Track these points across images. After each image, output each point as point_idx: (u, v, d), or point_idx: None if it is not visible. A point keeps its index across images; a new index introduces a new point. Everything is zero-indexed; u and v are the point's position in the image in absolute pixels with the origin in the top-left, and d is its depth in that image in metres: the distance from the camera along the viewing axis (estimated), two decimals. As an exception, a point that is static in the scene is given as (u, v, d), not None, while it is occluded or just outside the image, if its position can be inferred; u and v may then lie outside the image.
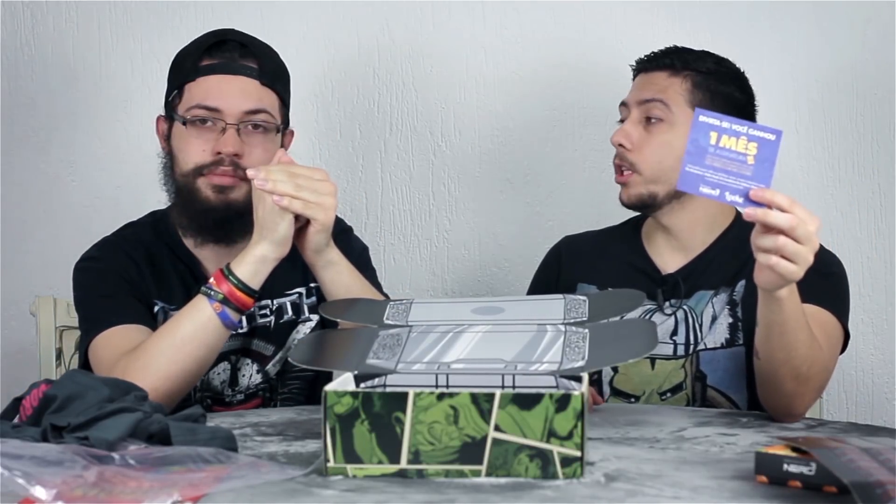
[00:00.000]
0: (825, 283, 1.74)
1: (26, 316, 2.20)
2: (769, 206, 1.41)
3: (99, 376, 1.40)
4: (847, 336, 1.78)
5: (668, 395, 1.84)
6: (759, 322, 1.57)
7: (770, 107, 2.34)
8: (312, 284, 1.85)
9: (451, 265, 2.46)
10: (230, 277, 1.65)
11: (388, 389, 1.23)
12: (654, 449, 1.35)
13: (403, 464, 1.17)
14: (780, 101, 2.35)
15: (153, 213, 1.92)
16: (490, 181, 2.45)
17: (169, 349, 1.63)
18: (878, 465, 1.07)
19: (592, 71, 2.39)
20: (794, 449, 1.15)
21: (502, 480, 1.15)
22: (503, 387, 1.30)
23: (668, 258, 1.90)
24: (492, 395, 1.15)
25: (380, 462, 1.17)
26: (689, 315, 1.85)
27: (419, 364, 1.33)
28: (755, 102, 1.91)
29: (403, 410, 1.16)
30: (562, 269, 1.99)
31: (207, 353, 1.66)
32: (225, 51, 1.79)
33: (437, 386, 1.31)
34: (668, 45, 1.92)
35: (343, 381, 1.30)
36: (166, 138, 1.83)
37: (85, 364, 1.76)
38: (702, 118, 1.44)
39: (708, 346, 1.84)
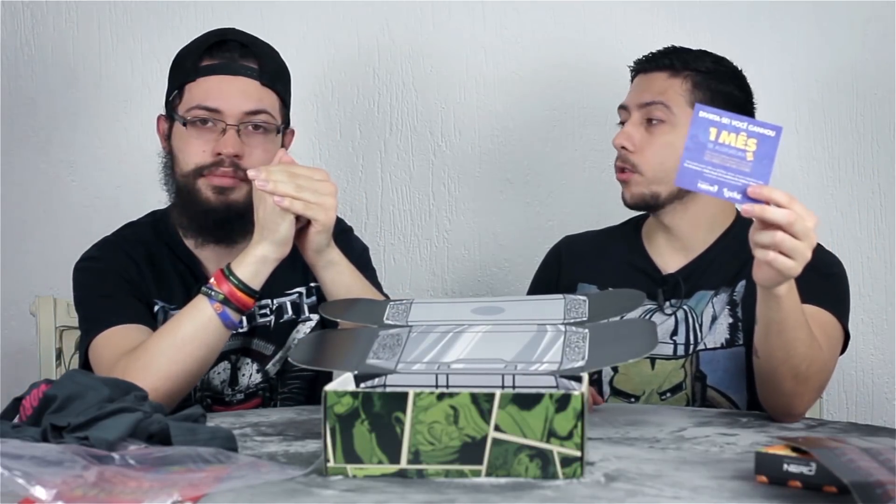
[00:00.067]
0: (825, 283, 1.74)
1: (26, 316, 2.20)
2: (767, 203, 1.41)
3: (99, 376, 1.40)
4: (847, 337, 1.78)
5: (668, 395, 1.84)
6: (758, 320, 1.57)
7: (770, 107, 2.34)
8: (312, 284, 1.85)
9: (451, 265, 2.46)
10: (231, 278, 1.65)
11: (388, 389, 1.23)
12: (654, 449, 1.35)
13: (403, 464, 1.17)
14: (780, 101, 2.35)
15: (153, 213, 1.92)
16: (490, 181, 2.45)
17: (169, 349, 1.63)
18: (878, 465, 1.07)
19: (592, 71, 2.39)
20: (794, 449, 1.15)
21: (502, 480, 1.15)
22: (503, 387, 1.30)
23: (669, 258, 1.91)
24: (492, 395, 1.15)
25: (380, 462, 1.17)
26: (689, 315, 1.85)
27: (419, 364, 1.33)
28: (753, 100, 1.91)
29: (403, 410, 1.16)
30: (562, 269, 1.99)
31: (208, 353, 1.66)
32: (225, 51, 1.79)
33: (437, 386, 1.31)
34: (666, 46, 1.92)
35: (343, 381, 1.30)
36: (167, 138, 1.83)
37: (85, 364, 1.76)
38: (702, 114, 1.44)
39: (708, 347, 1.84)
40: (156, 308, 1.81)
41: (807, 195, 2.34)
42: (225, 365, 1.84)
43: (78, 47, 2.47)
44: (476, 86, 2.44)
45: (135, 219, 1.92)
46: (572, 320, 1.41)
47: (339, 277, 1.72)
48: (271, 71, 1.80)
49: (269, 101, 1.79)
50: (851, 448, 1.13)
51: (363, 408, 1.17)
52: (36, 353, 2.09)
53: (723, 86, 1.86)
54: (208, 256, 1.84)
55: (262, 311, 1.85)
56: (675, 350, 1.84)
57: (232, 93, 1.76)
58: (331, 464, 1.17)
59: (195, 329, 1.64)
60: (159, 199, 1.87)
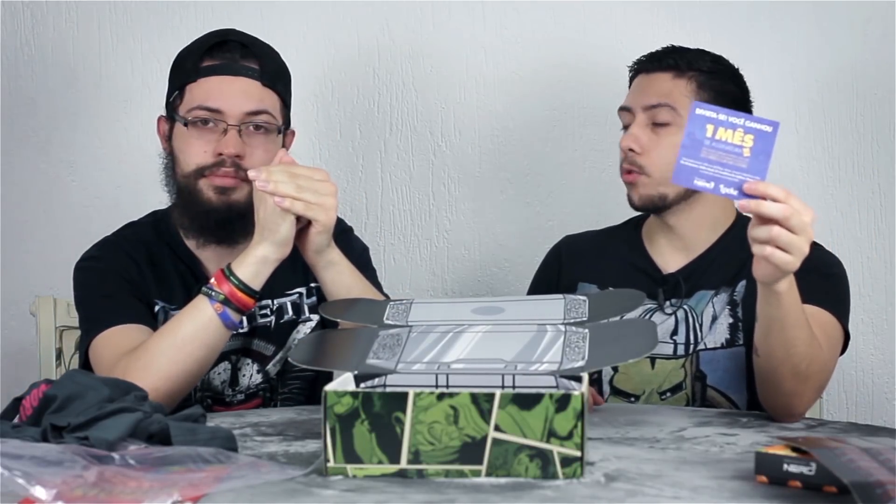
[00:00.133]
0: (825, 283, 1.74)
1: (26, 316, 2.20)
2: (763, 199, 1.41)
3: (99, 376, 1.40)
4: (847, 337, 1.78)
5: (668, 394, 1.85)
6: (758, 318, 1.56)
7: (770, 107, 2.34)
8: (313, 284, 1.85)
9: (451, 265, 2.46)
10: (231, 278, 1.65)
11: (388, 389, 1.23)
12: (654, 449, 1.36)
13: (403, 464, 1.17)
14: (780, 101, 2.35)
15: (154, 213, 1.92)
16: (490, 181, 2.45)
17: (170, 349, 1.63)
18: (878, 465, 1.07)
19: (592, 71, 2.39)
20: (794, 449, 1.15)
21: (502, 480, 1.15)
22: (503, 387, 1.30)
23: (670, 258, 1.90)
24: (492, 395, 1.15)
25: (380, 462, 1.17)
26: (689, 315, 1.85)
27: (419, 364, 1.33)
28: (750, 98, 1.91)
29: (403, 410, 1.16)
30: (562, 268, 1.99)
31: (208, 354, 1.66)
32: (226, 51, 1.79)
33: (437, 386, 1.31)
34: (664, 45, 1.92)
35: (343, 381, 1.30)
36: (167, 139, 1.83)
37: (85, 364, 1.76)
38: (698, 111, 1.44)
39: (708, 346, 1.84)
40: (156, 308, 1.81)
41: (807, 195, 2.33)
42: (225, 365, 1.84)
43: (78, 47, 2.47)
44: (476, 86, 2.44)
45: (135, 219, 1.92)
46: (572, 320, 1.41)
47: (339, 278, 1.72)
48: (272, 71, 1.80)
49: (269, 101, 1.79)
50: (851, 448, 1.13)
51: (363, 408, 1.17)
52: (36, 353, 2.09)
53: (725, 85, 1.86)
54: (209, 257, 1.84)
55: (263, 312, 1.85)
56: (676, 350, 1.84)
57: (233, 93, 1.76)
58: (331, 464, 1.17)
59: (195, 329, 1.64)
60: (159, 199, 1.87)
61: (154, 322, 1.77)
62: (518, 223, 2.44)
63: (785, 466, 1.13)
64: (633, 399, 1.86)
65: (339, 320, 1.62)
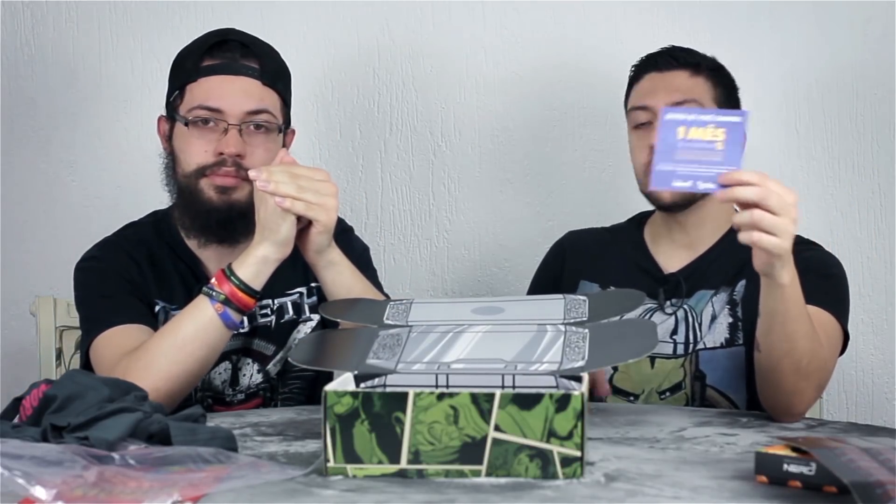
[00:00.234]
0: (825, 284, 1.74)
1: (26, 316, 2.20)
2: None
3: (99, 376, 1.40)
4: (847, 338, 1.77)
5: (668, 394, 1.85)
6: (760, 312, 1.56)
7: (770, 106, 2.35)
8: (313, 284, 1.85)
9: (451, 265, 2.46)
10: (232, 278, 1.65)
11: (388, 389, 1.23)
12: (654, 449, 1.36)
13: (403, 464, 1.17)
14: (781, 100, 2.36)
15: (154, 213, 1.92)
16: (490, 181, 2.45)
17: (170, 349, 1.63)
18: (878, 465, 1.07)
19: (593, 71, 2.39)
20: (794, 449, 1.15)
21: (502, 480, 1.15)
22: (503, 387, 1.30)
23: (672, 256, 1.91)
24: (492, 395, 1.15)
25: (380, 462, 1.17)
26: (689, 314, 1.85)
27: (419, 364, 1.33)
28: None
29: (403, 410, 1.16)
30: (566, 264, 1.99)
31: (209, 354, 1.66)
32: (226, 51, 1.79)
33: (437, 386, 1.31)
34: (662, 46, 1.93)
35: (343, 381, 1.30)
36: (168, 138, 1.83)
37: (86, 364, 1.76)
38: (668, 116, 1.46)
39: (707, 346, 1.84)
40: (157, 308, 1.81)
41: (807, 195, 2.34)
42: (226, 365, 1.84)
43: (78, 47, 2.47)
44: (476, 86, 2.44)
45: (135, 219, 1.92)
46: (572, 320, 1.41)
47: (339, 278, 1.72)
48: (272, 71, 1.80)
49: (270, 100, 1.79)
50: (851, 448, 1.13)
51: (363, 408, 1.17)
52: (36, 353, 2.09)
53: (727, 80, 1.90)
54: (209, 256, 1.84)
55: (263, 312, 1.85)
56: (675, 349, 1.84)
57: (233, 92, 1.76)
58: (331, 464, 1.17)
59: (196, 329, 1.64)
60: (159, 199, 1.87)
61: (154, 322, 1.77)
62: (518, 223, 2.44)
63: (785, 466, 1.13)
64: (632, 398, 1.86)
65: (339, 320, 1.62)
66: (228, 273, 1.65)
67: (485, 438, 1.16)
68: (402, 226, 2.46)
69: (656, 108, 1.84)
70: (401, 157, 2.46)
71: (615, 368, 1.86)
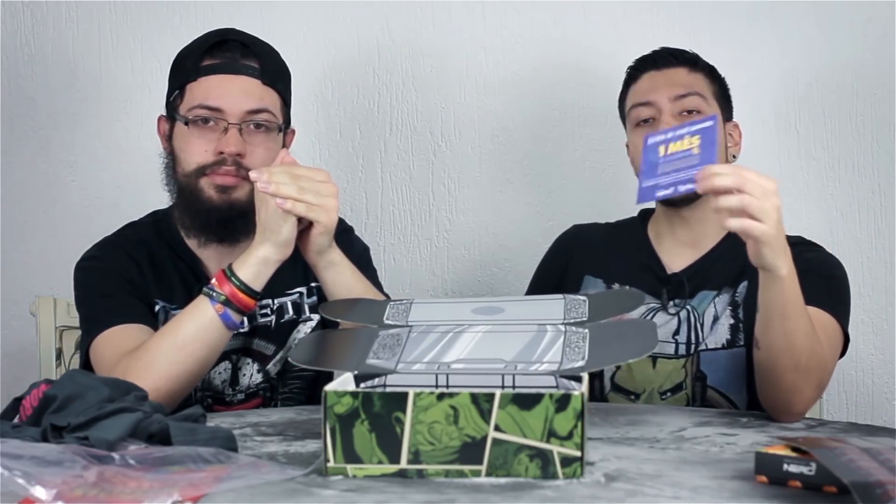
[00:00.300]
0: (825, 285, 1.74)
1: (26, 316, 2.20)
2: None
3: (99, 376, 1.40)
4: (847, 339, 1.77)
5: (669, 394, 1.85)
6: (759, 308, 1.56)
7: (770, 107, 2.35)
8: (313, 284, 1.85)
9: (451, 265, 2.46)
10: (232, 279, 1.65)
11: (388, 389, 1.23)
12: (654, 449, 1.36)
13: (403, 464, 1.17)
14: (781, 100, 2.36)
15: (154, 213, 1.92)
16: (490, 181, 2.45)
17: (171, 349, 1.63)
18: (878, 465, 1.07)
19: (592, 71, 2.39)
20: (794, 449, 1.15)
21: (502, 480, 1.15)
22: (503, 387, 1.30)
23: (676, 255, 1.91)
24: (492, 395, 1.15)
25: (380, 462, 1.17)
26: (690, 315, 1.85)
27: (419, 364, 1.33)
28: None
29: (403, 410, 1.16)
30: (571, 258, 1.99)
31: (209, 354, 1.66)
32: (226, 50, 1.79)
33: (437, 386, 1.31)
34: (654, 49, 1.95)
35: (343, 381, 1.30)
36: (168, 138, 1.83)
37: (86, 364, 1.76)
38: (651, 140, 1.54)
39: (709, 347, 1.84)
40: (157, 308, 1.81)
41: (807, 195, 2.34)
42: (226, 365, 1.84)
43: (78, 47, 2.47)
44: (476, 86, 2.44)
45: (135, 219, 1.92)
46: (572, 320, 1.41)
47: (340, 278, 1.72)
48: (272, 70, 1.80)
49: (270, 100, 1.79)
50: (851, 448, 1.13)
51: (363, 408, 1.17)
52: (36, 353, 2.09)
53: (720, 78, 1.93)
54: (210, 256, 1.84)
55: (263, 311, 1.85)
56: (677, 349, 1.84)
57: (233, 92, 1.76)
58: (331, 464, 1.17)
59: (196, 330, 1.64)
60: (159, 199, 1.87)
61: (154, 322, 1.77)
62: (518, 223, 2.44)
63: (785, 466, 1.13)
64: (633, 397, 1.86)
65: (339, 320, 1.62)
66: (229, 274, 1.65)
67: (485, 438, 1.16)
68: (402, 226, 2.46)
69: (659, 102, 1.87)
70: (401, 157, 2.46)
71: (617, 366, 1.86)
